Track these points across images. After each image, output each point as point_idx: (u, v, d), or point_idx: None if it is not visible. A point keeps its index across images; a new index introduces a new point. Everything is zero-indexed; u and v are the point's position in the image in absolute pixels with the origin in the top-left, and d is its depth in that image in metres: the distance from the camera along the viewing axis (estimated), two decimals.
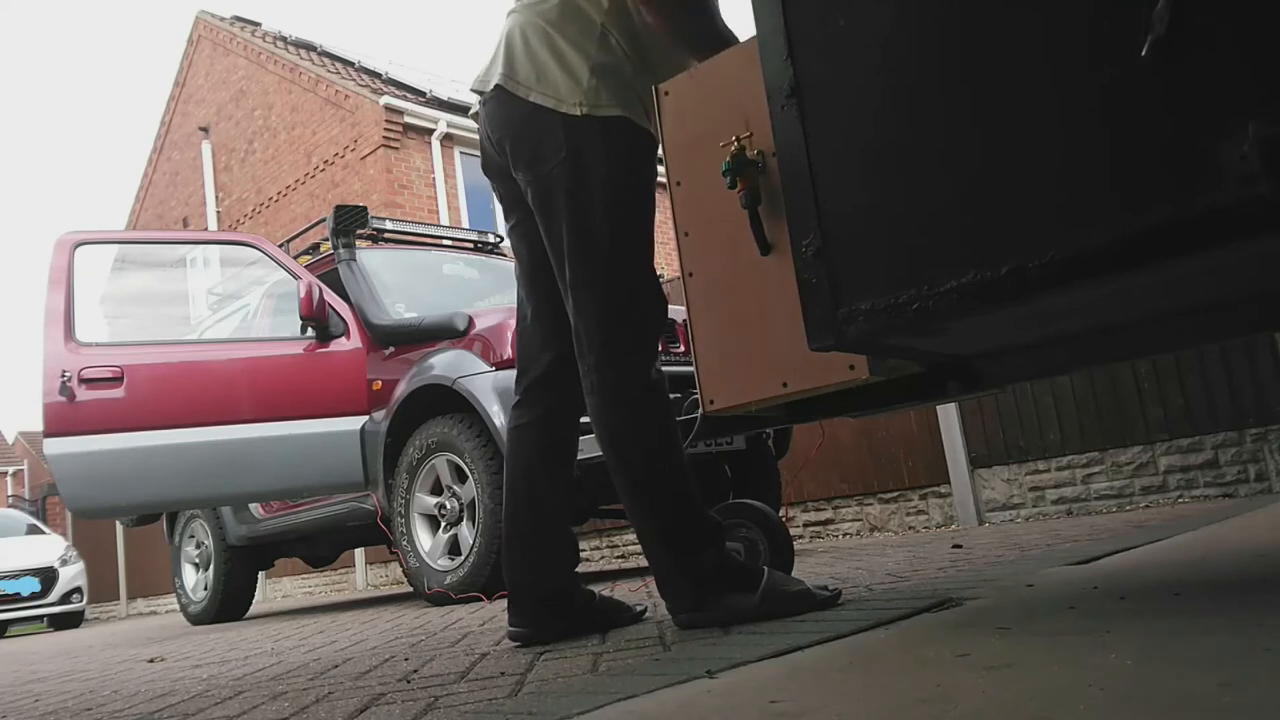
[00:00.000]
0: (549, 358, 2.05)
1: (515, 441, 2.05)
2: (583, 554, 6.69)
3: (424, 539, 4.12)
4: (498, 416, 3.70)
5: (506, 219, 2.10)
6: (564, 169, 1.86)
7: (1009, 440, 4.82)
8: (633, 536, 2.01)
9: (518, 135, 1.92)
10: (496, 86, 1.94)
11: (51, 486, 16.15)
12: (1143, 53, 1.02)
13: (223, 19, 13.82)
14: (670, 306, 2.14)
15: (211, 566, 5.68)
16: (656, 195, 2.00)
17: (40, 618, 10.76)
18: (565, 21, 1.90)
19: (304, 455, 4.17)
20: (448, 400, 3.99)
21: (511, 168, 1.97)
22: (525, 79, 1.90)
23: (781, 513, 4.83)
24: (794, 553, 2.22)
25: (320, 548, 5.81)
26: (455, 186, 10.75)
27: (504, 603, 2.16)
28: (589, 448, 2.23)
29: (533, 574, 1.99)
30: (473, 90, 2.08)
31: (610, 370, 1.86)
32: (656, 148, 1.99)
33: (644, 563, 1.94)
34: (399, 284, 4.79)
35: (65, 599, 10.55)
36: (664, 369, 1.96)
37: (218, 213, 13.33)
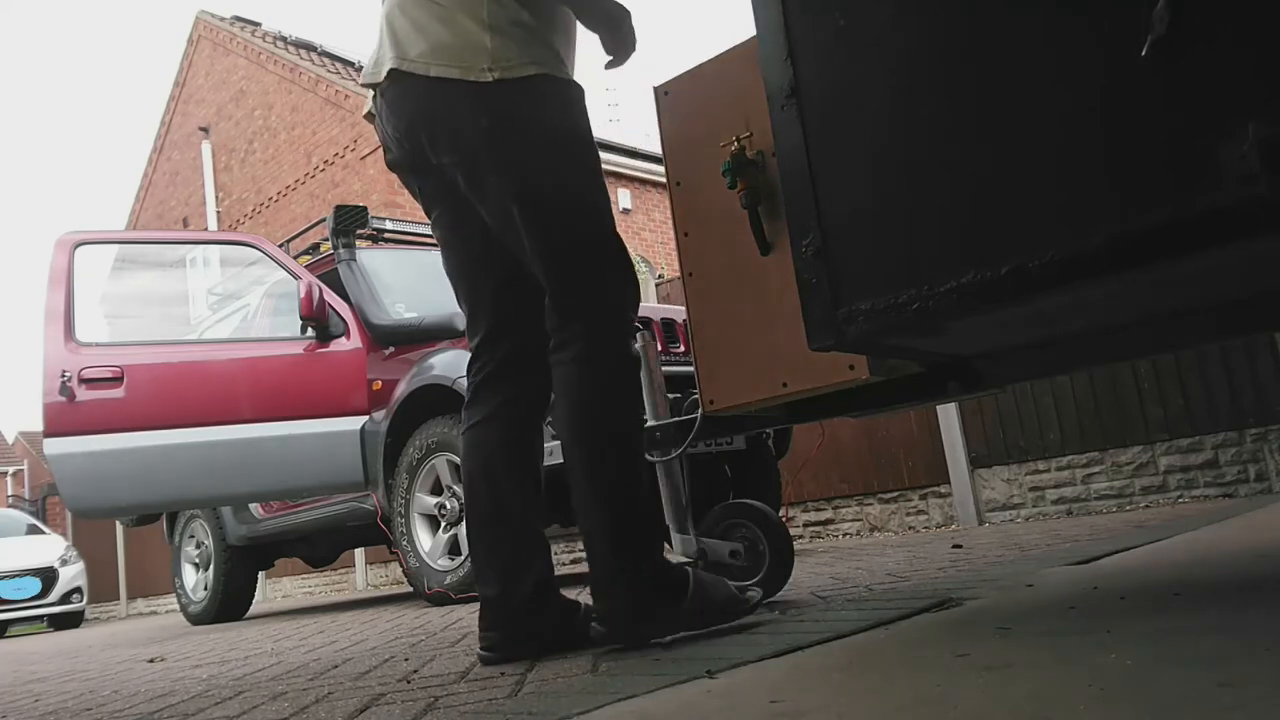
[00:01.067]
0: (502, 352, 1.88)
1: (469, 443, 1.87)
2: (572, 554, 6.66)
3: (424, 539, 4.12)
4: None
5: (428, 214, 1.92)
6: (491, 139, 1.68)
7: (1009, 440, 4.82)
8: None
9: (428, 116, 1.73)
10: (391, 71, 1.74)
11: (51, 486, 16.15)
12: (1143, 53, 1.02)
13: (223, 19, 13.83)
14: (670, 306, 2.13)
15: (211, 566, 5.69)
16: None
17: (40, 618, 10.76)
18: None
19: (304, 455, 4.17)
20: (448, 400, 3.99)
21: (431, 155, 1.77)
22: (419, 55, 1.71)
23: (781, 513, 4.82)
24: (794, 553, 2.22)
25: (320, 548, 5.82)
26: None
27: None
28: (556, 454, 2.00)
29: (499, 585, 1.80)
30: (364, 85, 1.87)
31: (601, 335, 1.72)
32: (585, 97, 1.81)
33: None
34: (399, 284, 4.79)
35: (65, 599, 10.55)
36: (663, 369, 1.95)
37: (218, 213, 13.33)
